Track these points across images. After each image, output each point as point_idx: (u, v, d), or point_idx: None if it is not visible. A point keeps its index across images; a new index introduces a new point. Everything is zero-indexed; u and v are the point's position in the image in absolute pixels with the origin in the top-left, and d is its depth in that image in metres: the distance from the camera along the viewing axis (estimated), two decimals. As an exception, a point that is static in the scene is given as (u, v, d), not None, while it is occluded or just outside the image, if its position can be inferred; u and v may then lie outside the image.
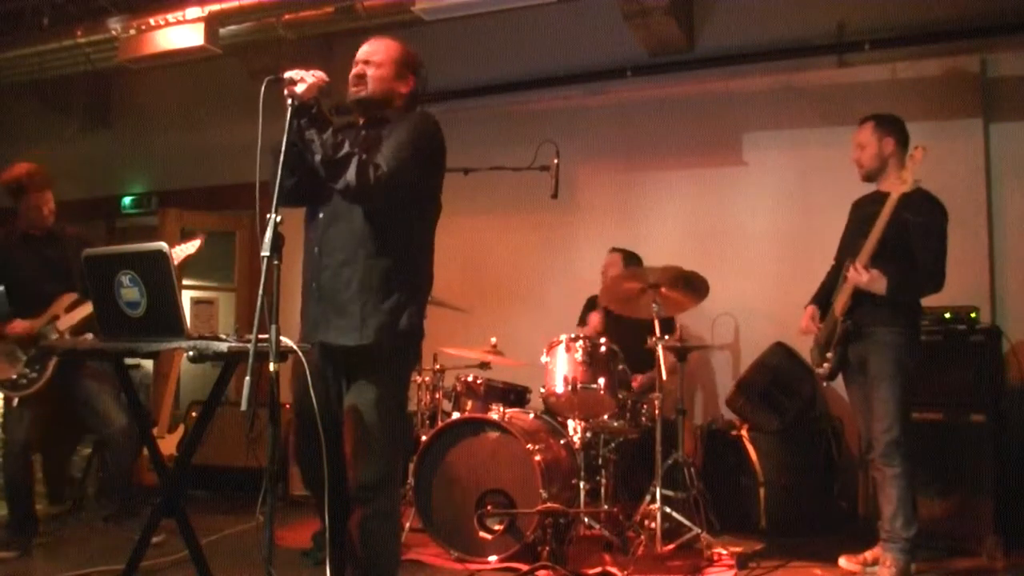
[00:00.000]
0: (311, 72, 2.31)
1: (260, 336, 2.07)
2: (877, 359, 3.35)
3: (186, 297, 6.93)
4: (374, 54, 2.55)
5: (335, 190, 2.38)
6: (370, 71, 2.52)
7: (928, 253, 3.30)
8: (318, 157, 2.31)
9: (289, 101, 2.28)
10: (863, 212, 3.53)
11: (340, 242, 2.46)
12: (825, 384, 3.71)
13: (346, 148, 2.31)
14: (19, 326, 3.84)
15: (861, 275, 3.30)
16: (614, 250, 4.74)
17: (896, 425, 3.28)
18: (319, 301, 2.48)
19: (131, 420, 3.89)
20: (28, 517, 3.98)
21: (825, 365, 3.53)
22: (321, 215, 2.51)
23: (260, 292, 2.09)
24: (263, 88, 2.24)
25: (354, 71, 2.54)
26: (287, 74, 2.29)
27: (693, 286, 3.91)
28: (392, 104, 2.57)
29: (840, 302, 3.43)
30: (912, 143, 3.44)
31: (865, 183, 3.57)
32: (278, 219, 2.15)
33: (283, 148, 2.24)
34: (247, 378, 1.99)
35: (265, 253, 2.12)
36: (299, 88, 2.28)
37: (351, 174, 2.30)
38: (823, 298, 3.66)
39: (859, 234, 3.42)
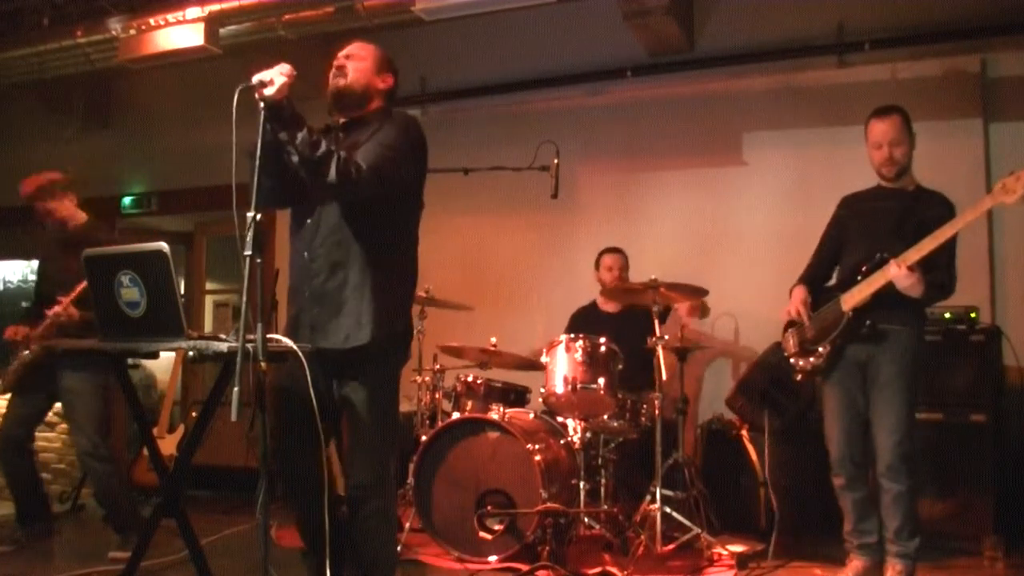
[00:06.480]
0: (277, 69, 2.25)
1: (254, 337, 2.08)
2: (892, 361, 3.15)
3: (209, 302, 6.99)
4: (356, 51, 2.57)
5: (319, 193, 2.39)
6: (351, 64, 2.53)
7: (947, 261, 3.14)
8: (296, 158, 2.30)
9: (261, 105, 2.25)
10: (873, 206, 3.31)
11: (329, 247, 2.47)
12: (799, 378, 3.41)
13: (323, 147, 2.29)
14: (10, 331, 3.91)
15: (908, 275, 2.98)
16: (614, 251, 4.71)
17: (908, 437, 3.12)
18: (312, 307, 2.48)
19: (96, 444, 3.77)
20: (36, 515, 3.97)
21: (812, 359, 3.29)
22: (308, 221, 2.51)
23: (243, 293, 2.10)
24: (236, 96, 2.21)
25: (335, 64, 2.54)
26: (255, 78, 2.24)
27: (692, 288, 3.94)
28: (370, 102, 2.56)
29: (857, 296, 3.15)
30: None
31: (862, 180, 3.46)
32: (257, 217, 2.16)
33: (258, 152, 2.23)
34: (235, 388, 1.99)
35: (247, 252, 2.13)
36: (268, 91, 2.23)
37: (332, 171, 2.28)
38: (812, 284, 3.42)
39: (882, 231, 3.18)
